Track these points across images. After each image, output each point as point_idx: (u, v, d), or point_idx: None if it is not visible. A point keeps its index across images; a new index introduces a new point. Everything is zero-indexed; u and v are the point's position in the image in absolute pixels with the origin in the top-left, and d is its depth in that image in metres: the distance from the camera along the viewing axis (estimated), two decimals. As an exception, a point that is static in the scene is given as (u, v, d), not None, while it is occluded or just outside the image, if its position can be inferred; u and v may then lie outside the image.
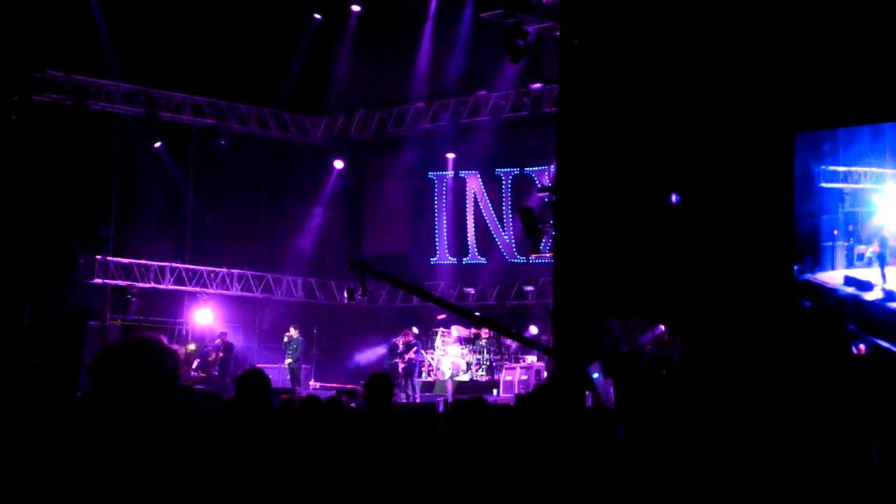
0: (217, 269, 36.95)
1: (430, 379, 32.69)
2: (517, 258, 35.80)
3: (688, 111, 22.25)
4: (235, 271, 37.39)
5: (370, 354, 35.99)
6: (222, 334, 34.30)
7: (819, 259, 21.43)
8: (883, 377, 19.05)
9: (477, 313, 33.80)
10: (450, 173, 37.49)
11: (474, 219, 36.97)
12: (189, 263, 36.52)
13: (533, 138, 34.48)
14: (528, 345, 30.87)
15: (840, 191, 21.50)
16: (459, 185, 37.37)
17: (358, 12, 37.13)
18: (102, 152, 35.55)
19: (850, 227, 21.34)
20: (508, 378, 30.73)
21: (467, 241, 37.18)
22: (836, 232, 21.26)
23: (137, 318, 35.51)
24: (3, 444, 5.68)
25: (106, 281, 34.68)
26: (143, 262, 35.51)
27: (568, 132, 24.69)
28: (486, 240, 36.81)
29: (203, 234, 37.34)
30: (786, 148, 21.30)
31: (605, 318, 23.25)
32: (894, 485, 6.98)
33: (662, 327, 22.89)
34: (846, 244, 21.32)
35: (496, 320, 33.77)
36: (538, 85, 33.83)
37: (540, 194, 30.87)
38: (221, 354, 33.26)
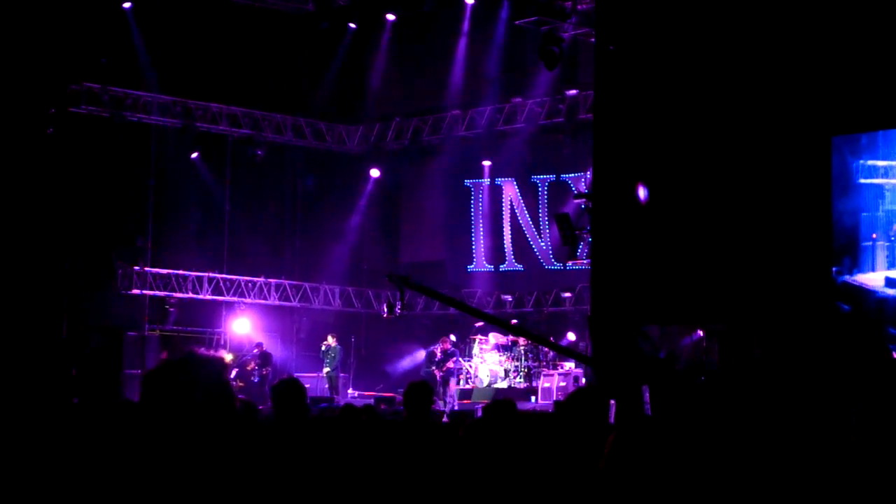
0: (254, 279, 37.02)
1: (467, 386, 32.66)
2: (554, 265, 35.72)
3: (723, 116, 22.15)
4: (273, 281, 37.45)
5: (408, 362, 36.01)
6: (258, 344, 34.36)
7: (858, 260, 20.85)
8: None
9: (514, 321, 33.74)
10: (486, 181, 37.46)
11: (511, 226, 36.91)
12: (226, 273, 36.61)
13: (569, 145, 34.41)
14: (564, 353, 30.81)
15: (880, 187, 20.86)
16: (496, 193, 37.33)
17: (393, 21, 37.19)
18: (139, 163, 35.72)
19: (892, 226, 20.59)
20: (546, 385, 30.67)
21: (504, 248, 37.12)
22: (874, 236, 20.83)
23: (175, 328, 35.64)
24: (43, 452, 5.70)
25: (144, 292, 34.79)
26: (180, 272, 35.61)
27: (604, 138, 24.65)
28: (522, 247, 36.73)
29: (240, 243, 37.43)
30: (823, 152, 21.10)
31: (642, 324, 23.18)
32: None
33: (700, 333, 22.77)
34: (887, 244, 20.59)
35: (533, 328, 33.71)
36: (574, 91, 33.79)
37: (576, 201, 30.80)
38: (259, 364, 33.32)
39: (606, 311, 23.88)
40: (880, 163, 20.93)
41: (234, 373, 33.82)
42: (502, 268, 37.20)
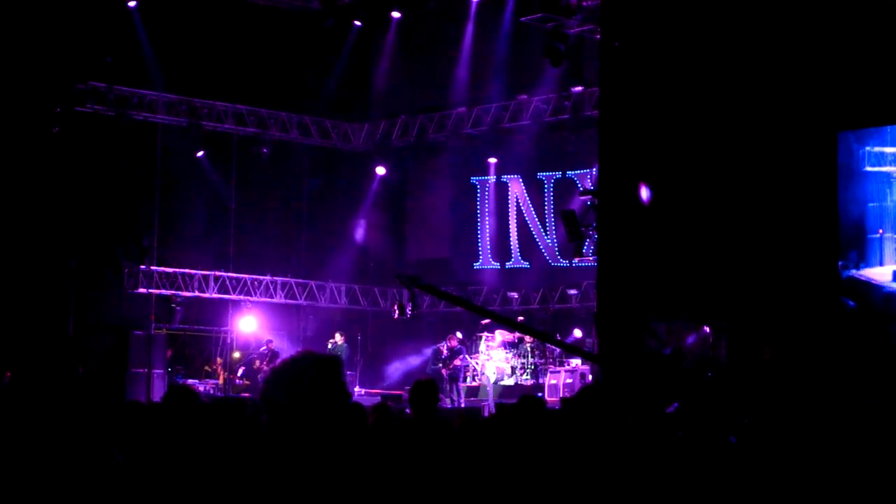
0: (261, 277, 37.02)
1: (474, 384, 32.66)
2: (560, 262, 35.69)
3: (729, 111, 22.07)
4: (279, 279, 37.45)
5: (413, 360, 36.02)
6: (268, 342, 34.41)
7: (865, 253, 20.32)
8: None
9: (520, 318, 33.73)
10: (492, 178, 37.45)
11: (517, 223, 36.89)
12: (233, 272, 36.60)
13: (574, 142, 34.43)
14: (570, 350, 30.82)
15: (888, 175, 20.30)
16: (501, 190, 37.31)
17: (398, 18, 37.20)
18: (145, 162, 35.75)
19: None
20: (553, 382, 30.70)
21: (510, 245, 37.10)
22: (881, 231, 20.44)
23: (182, 327, 35.67)
24: (51, 452, 5.70)
25: (150, 290, 34.79)
26: (186, 270, 35.61)
27: (610, 135, 24.61)
28: (528, 244, 36.71)
29: (246, 242, 37.45)
30: (829, 147, 20.97)
31: (649, 321, 23.15)
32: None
33: (707, 329, 22.74)
34: (895, 236, 20.04)
35: (539, 325, 33.71)
36: (579, 88, 33.78)
37: (582, 198, 30.79)
38: (268, 362, 33.33)
39: (613, 308, 23.84)
40: (888, 149, 20.40)
41: (240, 371, 33.87)
42: (508, 265, 37.19)
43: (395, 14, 37.04)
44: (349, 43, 38.03)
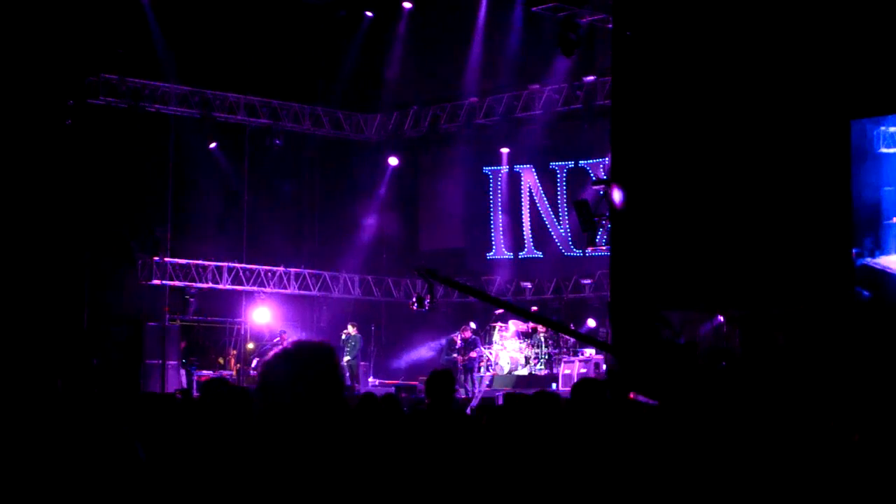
0: (274, 268, 37.05)
1: (488, 374, 32.66)
2: (573, 251, 35.68)
3: (742, 100, 22.01)
4: (292, 270, 37.47)
5: (426, 351, 36.05)
6: (282, 333, 34.44)
7: (880, 240, 19.58)
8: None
9: (534, 308, 33.73)
10: (504, 168, 37.43)
11: (530, 213, 36.88)
12: (246, 263, 36.65)
13: (587, 131, 34.38)
14: (584, 340, 30.80)
15: None
16: (514, 180, 37.30)
17: (409, 9, 37.20)
18: (158, 154, 35.78)
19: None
20: (567, 371, 30.69)
21: (523, 235, 37.09)
22: (895, 219, 20.19)
23: (196, 318, 35.72)
24: (66, 443, 5.70)
25: (164, 282, 34.83)
26: (200, 262, 35.64)
27: (622, 124, 24.57)
28: (541, 234, 36.71)
29: (259, 233, 37.50)
30: (842, 135, 20.86)
31: (662, 310, 23.12)
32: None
33: (721, 318, 22.72)
34: None
35: (553, 314, 33.70)
36: (591, 77, 33.73)
37: (595, 187, 30.75)
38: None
39: (626, 298, 23.81)
40: (903, 129, 19.41)
41: (254, 362, 33.89)
42: (522, 255, 37.18)
43: (407, 4, 37.06)
44: (361, 34, 38.05)
